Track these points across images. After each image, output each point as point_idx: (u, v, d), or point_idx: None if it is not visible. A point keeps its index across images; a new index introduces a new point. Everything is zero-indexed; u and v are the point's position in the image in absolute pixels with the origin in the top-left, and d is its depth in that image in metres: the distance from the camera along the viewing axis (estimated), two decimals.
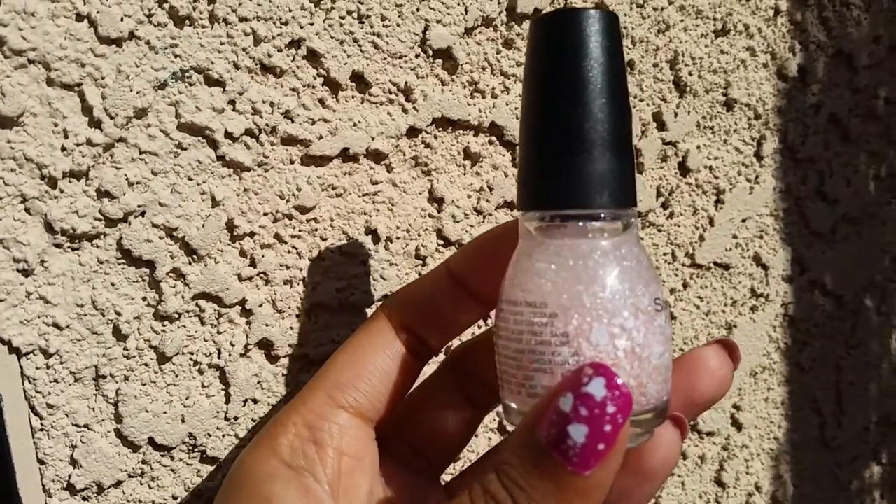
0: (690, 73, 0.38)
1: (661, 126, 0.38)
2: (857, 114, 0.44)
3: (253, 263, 0.30)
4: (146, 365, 0.29)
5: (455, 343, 0.33)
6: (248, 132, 0.29)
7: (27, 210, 0.26)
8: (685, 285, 0.41)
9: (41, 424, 0.28)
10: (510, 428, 0.25)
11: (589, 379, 0.20)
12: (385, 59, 0.30)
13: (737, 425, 0.45)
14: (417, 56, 0.31)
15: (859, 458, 0.50)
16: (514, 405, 0.23)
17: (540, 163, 0.23)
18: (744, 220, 0.41)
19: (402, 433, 0.28)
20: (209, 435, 0.31)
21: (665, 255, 0.39)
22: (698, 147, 0.39)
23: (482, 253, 0.27)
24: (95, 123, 0.26)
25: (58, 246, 0.27)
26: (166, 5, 0.27)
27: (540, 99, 0.23)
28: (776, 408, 0.46)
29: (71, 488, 0.29)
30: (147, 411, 0.29)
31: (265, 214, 0.30)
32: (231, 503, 0.25)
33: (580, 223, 0.23)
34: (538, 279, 0.23)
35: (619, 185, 0.23)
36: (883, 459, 0.52)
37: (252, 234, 0.30)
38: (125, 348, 0.29)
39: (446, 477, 0.30)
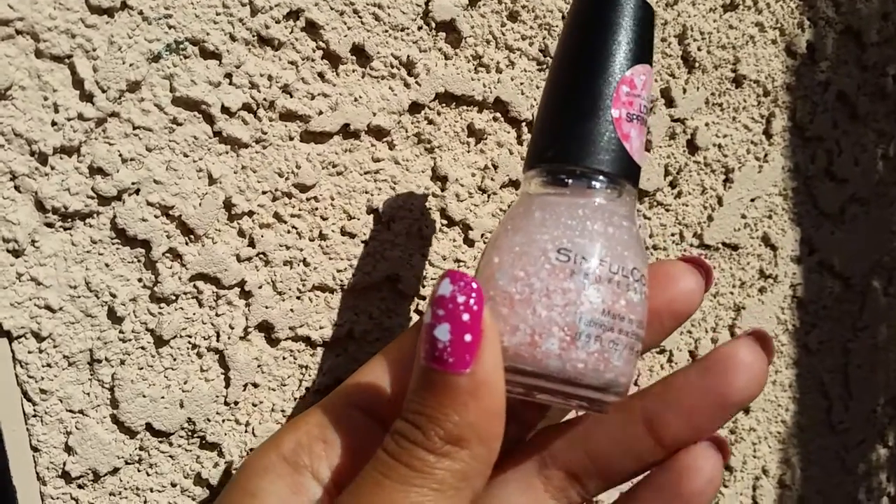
0: (699, 49, 0.37)
1: (670, 102, 0.37)
2: (865, 92, 0.43)
3: (252, 243, 0.29)
4: (143, 348, 0.28)
5: None
6: (246, 107, 0.28)
7: (17, 188, 0.25)
8: None
9: (34, 410, 0.27)
10: None
11: (438, 285, 0.21)
12: (386, 31, 0.29)
13: (744, 408, 0.44)
14: (420, 28, 0.30)
15: (866, 441, 0.50)
16: None
17: (539, 126, 0.25)
18: (753, 200, 0.41)
19: None
20: (209, 420, 0.30)
21: (673, 235, 0.39)
22: (707, 124, 0.38)
23: None
24: (87, 97, 0.25)
25: (49, 225, 0.26)
26: None
27: (555, 68, 0.25)
28: (783, 391, 0.45)
29: (66, 476, 0.28)
30: (144, 396, 0.28)
31: (264, 193, 0.29)
32: (221, 498, 0.25)
33: (566, 179, 0.24)
34: (497, 227, 0.25)
35: (602, 148, 0.24)
36: (890, 442, 0.51)
37: (251, 213, 0.29)
38: (121, 331, 0.28)
39: None
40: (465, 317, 0.20)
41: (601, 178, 0.24)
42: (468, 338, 0.20)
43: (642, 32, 0.24)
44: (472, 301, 0.21)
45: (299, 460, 0.24)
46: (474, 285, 0.21)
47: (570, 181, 0.24)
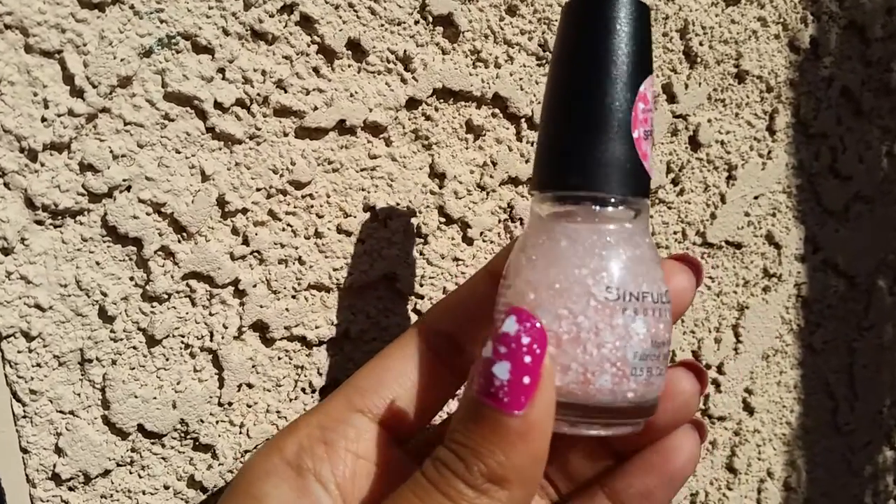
0: (701, 44, 0.36)
1: (672, 98, 0.36)
2: (869, 87, 0.43)
3: (246, 241, 0.28)
4: (134, 348, 0.28)
5: None
6: (239, 102, 0.27)
7: (6, 185, 0.25)
8: None
9: (24, 411, 0.27)
10: None
11: (502, 322, 0.21)
12: (383, 25, 0.29)
13: (749, 410, 0.43)
14: (417, 23, 0.30)
15: (873, 443, 0.49)
16: None
17: (551, 145, 0.24)
18: (756, 198, 0.40)
19: (430, 442, 0.27)
20: (202, 421, 0.29)
21: (675, 233, 0.38)
22: (709, 121, 0.38)
23: None
24: (77, 93, 0.25)
25: (39, 223, 0.25)
26: None
27: (563, 81, 0.23)
28: (788, 391, 0.45)
29: (56, 478, 0.27)
30: (136, 397, 0.28)
31: (258, 190, 0.28)
32: (226, 500, 0.24)
33: (579, 208, 0.23)
34: (516, 255, 0.24)
35: (626, 173, 0.23)
36: None
37: (244, 211, 0.28)
38: (112, 331, 0.27)
39: None
40: (528, 359, 0.20)
41: (625, 201, 0.23)
42: (527, 380, 0.20)
43: (647, 38, 0.23)
44: (535, 345, 0.21)
45: (302, 463, 0.24)
46: (539, 326, 0.21)
47: (597, 208, 0.23)
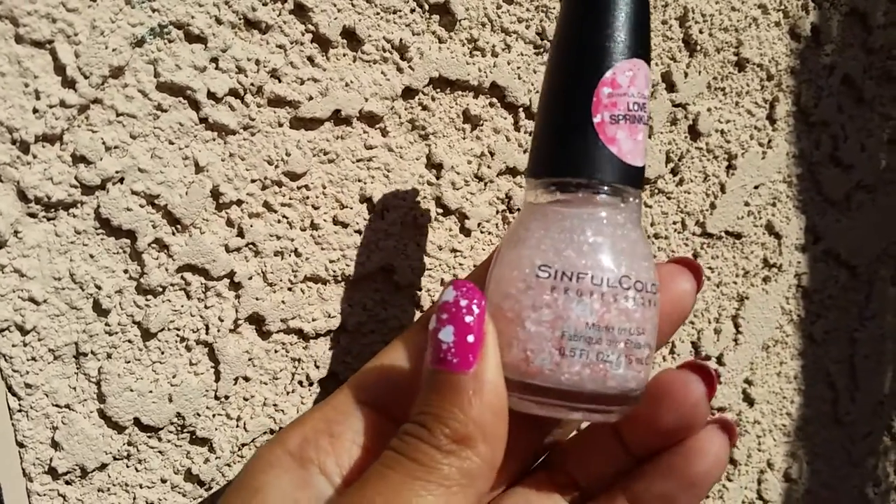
0: (701, 31, 0.36)
1: (671, 87, 0.36)
2: (871, 75, 0.42)
3: (241, 233, 0.28)
4: (130, 341, 0.27)
5: None
6: (233, 92, 0.27)
7: None
8: (695, 255, 0.39)
9: (19, 405, 0.26)
10: None
11: (442, 293, 0.22)
12: (378, 13, 0.29)
13: (749, 400, 0.43)
14: (412, 11, 0.29)
15: (873, 434, 0.49)
16: None
17: (535, 133, 0.25)
18: (756, 187, 0.40)
19: None
20: (198, 415, 0.29)
21: (675, 223, 0.38)
22: (709, 109, 0.37)
23: None
24: (69, 83, 0.25)
25: (32, 215, 0.25)
26: None
27: (559, 68, 0.24)
28: (789, 382, 0.44)
29: (53, 472, 0.27)
30: (132, 390, 0.28)
31: (253, 181, 0.28)
32: (227, 494, 0.24)
33: (560, 193, 0.24)
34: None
35: (584, 156, 0.23)
36: None
37: (239, 203, 0.28)
38: (107, 324, 0.27)
39: None
40: (468, 318, 0.21)
41: (598, 186, 0.23)
42: (471, 338, 0.21)
43: (631, 24, 0.23)
44: (474, 304, 0.22)
45: (305, 455, 0.24)
46: (473, 287, 0.22)
47: (560, 193, 0.24)
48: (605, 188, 0.23)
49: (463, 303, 0.22)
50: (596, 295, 0.22)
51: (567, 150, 0.23)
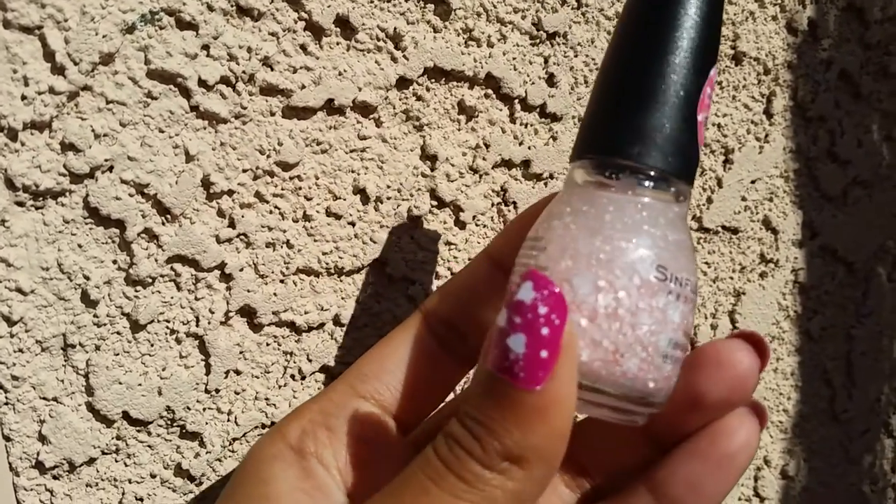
0: None
1: None
2: (868, 71, 0.42)
3: (232, 224, 0.28)
4: (118, 333, 0.27)
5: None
6: (224, 80, 0.27)
7: None
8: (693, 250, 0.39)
9: (6, 398, 0.26)
10: None
11: (517, 287, 0.19)
12: (372, 2, 0.28)
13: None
14: (407, 0, 0.29)
15: (871, 431, 0.49)
16: None
17: (603, 114, 0.22)
18: (753, 182, 0.39)
19: (429, 428, 0.27)
20: (188, 408, 0.29)
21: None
22: None
23: (522, 233, 0.24)
24: (58, 70, 0.24)
25: (20, 204, 0.25)
26: None
27: (625, 51, 0.22)
28: (785, 379, 0.44)
29: (40, 466, 0.27)
30: (120, 383, 0.27)
31: (244, 171, 0.28)
32: (232, 486, 0.24)
33: (628, 179, 0.21)
34: (550, 219, 0.22)
35: (681, 153, 0.22)
36: (894, 432, 0.50)
37: (230, 193, 0.28)
38: (95, 315, 0.27)
39: None
40: (545, 331, 0.19)
41: (671, 181, 0.22)
42: (544, 354, 0.18)
43: (720, 21, 0.22)
44: (554, 315, 0.19)
45: (304, 447, 0.24)
46: (558, 293, 0.19)
47: (649, 184, 0.22)
48: (682, 187, 0.22)
49: (542, 310, 0.19)
50: (689, 303, 0.21)
51: (662, 141, 0.21)
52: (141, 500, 0.29)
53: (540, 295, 0.19)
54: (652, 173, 0.22)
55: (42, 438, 0.27)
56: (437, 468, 0.19)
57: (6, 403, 0.26)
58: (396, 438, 0.25)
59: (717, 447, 0.22)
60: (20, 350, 0.26)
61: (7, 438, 0.26)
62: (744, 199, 0.39)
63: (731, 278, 0.41)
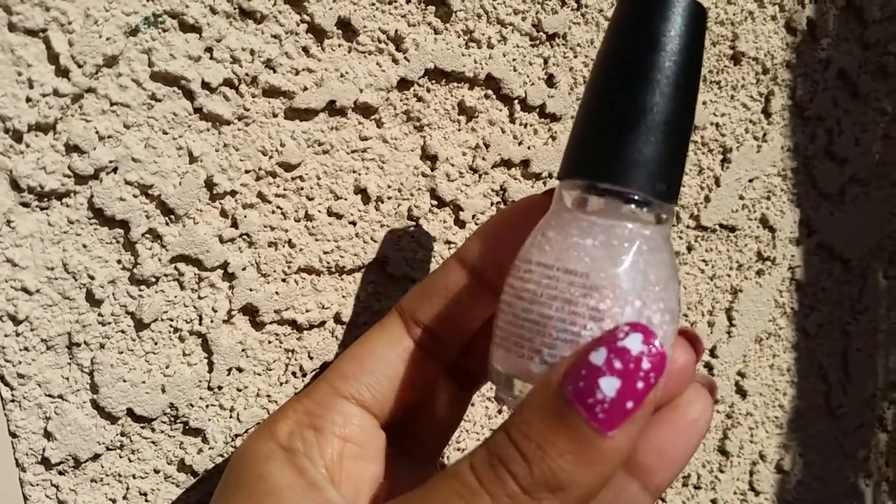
0: None
1: None
2: (866, 70, 0.42)
3: (235, 224, 0.28)
4: (123, 332, 0.27)
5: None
6: (227, 82, 0.27)
7: None
8: (690, 248, 0.39)
9: (12, 395, 0.26)
10: (508, 399, 0.24)
11: (625, 335, 0.19)
12: (373, 4, 0.28)
13: (741, 392, 0.43)
14: (408, 2, 0.29)
15: (865, 426, 0.49)
16: (515, 371, 0.22)
17: (591, 134, 0.23)
18: (751, 181, 0.40)
19: (408, 427, 0.27)
20: (192, 405, 0.29)
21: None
22: (704, 103, 0.37)
23: (495, 238, 0.25)
24: (62, 72, 0.25)
25: (25, 205, 0.25)
26: None
27: (608, 71, 0.23)
28: (782, 375, 0.45)
29: (46, 462, 0.27)
30: (125, 381, 0.28)
31: (247, 172, 0.28)
32: (228, 484, 0.24)
33: (621, 202, 0.22)
34: (576, 251, 0.22)
35: (667, 176, 0.22)
36: (889, 427, 0.51)
37: (233, 193, 0.28)
38: (100, 314, 0.27)
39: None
40: (640, 385, 0.19)
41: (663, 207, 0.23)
42: (630, 405, 0.19)
43: (701, 46, 0.23)
44: (653, 373, 0.19)
45: (293, 447, 0.24)
46: (663, 352, 0.19)
47: (664, 215, 0.23)
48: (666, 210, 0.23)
49: (645, 365, 0.19)
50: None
51: (671, 174, 0.23)
52: (145, 495, 0.29)
53: (647, 350, 0.19)
54: (637, 197, 0.22)
55: (48, 435, 0.27)
56: (471, 486, 0.19)
57: (12, 401, 0.26)
58: (379, 436, 0.25)
59: (680, 415, 0.23)
60: (26, 348, 0.26)
61: (13, 435, 0.27)
62: (741, 197, 0.40)
63: (729, 276, 0.41)
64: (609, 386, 0.19)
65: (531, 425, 0.19)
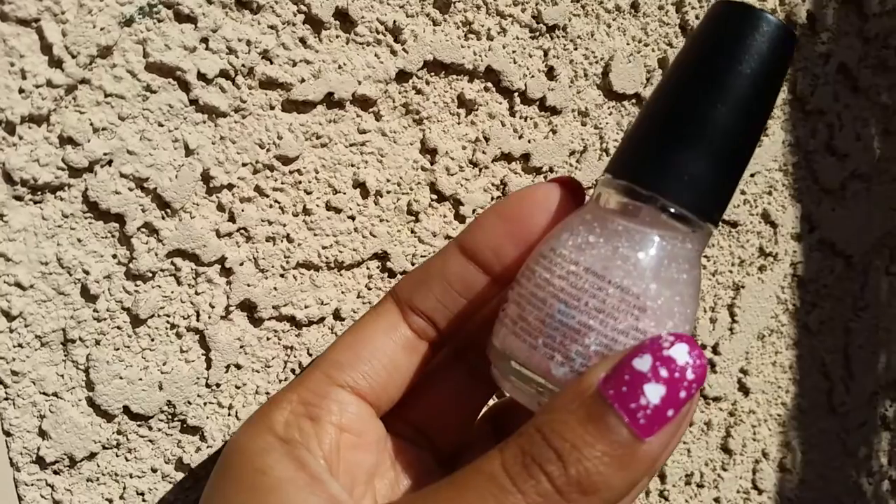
0: (697, 17, 0.35)
1: None
2: (867, 64, 0.42)
3: (232, 218, 0.28)
4: (119, 328, 0.27)
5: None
6: (223, 74, 0.26)
7: None
8: None
9: (6, 393, 0.26)
10: (513, 393, 0.23)
11: (671, 344, 0.20)
12: None
13: (744, 390, 0.43)
14: None
15: (868, 424, 0.49)
16: (524, 360, 0.22)
17: (655, 141, 0.22)
18: (752, 176, 0.39)
19: (405, 414, 0.27)
20: (189, 403, 0.29)
21: None
22: None
23: (499, 227, 0.24)
24: (56, 63, 0.24)
25: (18, 198, 0.25)
26: None
27: (683, 81, 0.22)
28: (784, 372, 0.44)
29: (41, 461, 0.27)
30: (121, 378, 0.27)
31: (244, 165, 0.28)
32: (225, 479, 0.24)
33: (668, 217, 0.22)
34: (626, 264, 0.21)
35: (721, 199, 0.22)
36: (891, 425, 0.50)
37: (230, 187, 0.27)
38: (95, 310, 0.26)
39: None
40: (683, 394, 0.20)
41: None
42: (670, 413, 0.19)
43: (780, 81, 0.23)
44: (695, 384, 0.20)
45: (291, 437, 0.24)
46: (706, 365, 0.20)
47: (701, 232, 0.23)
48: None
49: (690, 376, 0.20)
50: None
51: (721, 197, 0.23)
52: (142, 494, 0.29)
53: (693, 362, 0.20)
54: (683, 214, 0.22)
55: (42, 433, 0.27)
56: (503, 484, 0.19)
57: (6, 399, 0.26)
58: (375, 424, 0.25)
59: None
60: (20, 345, 0.26)
61: (7, 434, 0.26)
62: (743, 192, 0.39)
63: (731, 272, 0.41)
64: (654, 392, 0.19)
65: (566, 425, 0.20)
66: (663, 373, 0.19)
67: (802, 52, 0.40)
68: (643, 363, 0.20)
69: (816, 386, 0.46)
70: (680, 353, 0.20)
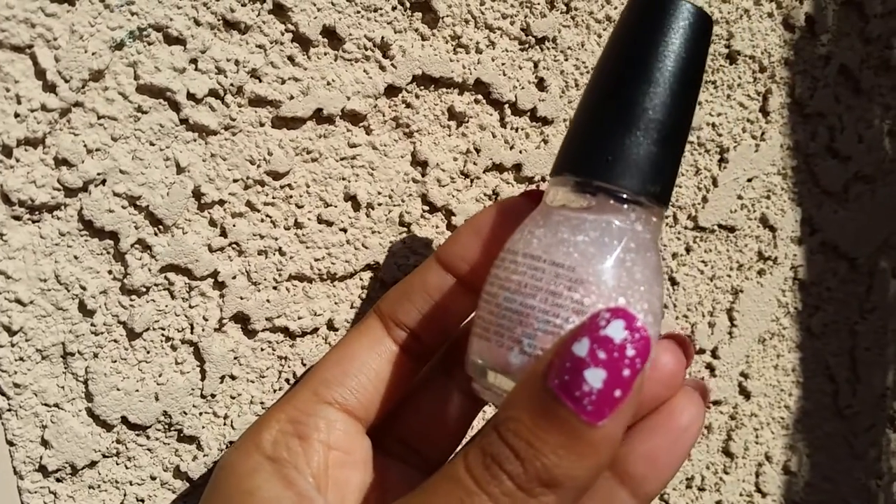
0: None
1: None
2: (868, 65, 0.42)
3: (224, 233, 0.28)
4: (115, 341, 0.28)
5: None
6: (213, 93, 0.27)
7: None
8: (688, 249, 0.39)
9: (8, 405, 0.27)
10: (482, 392, 0.24)
11: (607, 322, 0.19)
12: (358, 12, 0.29)
13: (745, 393, 0.43)
14: (394, 8, 0.29)
15: (876, 426, 0.48)
16: (492, 362, 0.22)
17: (586, 132, 0.23)
18: (749, 180, 0.39)
19: (393, 430, 0.27)
20: (185, 413, 0.29)
21: (666, 217, 0.38)
22: (700, 103, 0.37)
23: (474, 239, 0.25)
24: (49, 87, 0.25)
25: (17, 218, 0.26)
26: None
27: (609, 71, 0.23)
28: (786, 375, 0.44)
29: (43, 469, 0.28)
30: (118, 389, 0.28)
31: (235, 181, 0.28)
32: (215, 501, 0.24)
33: (611, 201, 0.22)
34: (565, 245, 0.22)
35: (660, 178, 0.23)
36: None
37: (222, 202, 0.28)
38: (92, 324, 0.27)
39: None
40: (626, 372, 0.19)
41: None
42: (618, 393, 0.19)
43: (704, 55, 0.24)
44: (638, 359, 0.19)
45: (279, 456, 0.24)
46: (647, 336, 0.19)
47: (653, 219, 0.23)
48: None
49: (630, 352, 0.19)
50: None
51: (666, 178, 0.24)
52: (142, 501, 0.30)
53: (631, 337, 0.19)
54: (628, 197, 0.23)
55: (44, 443, 0.28)
56: (469, 487, 0.19)
57: (9, 410, 0.27)
58: (363, 441, 0.26)
59: (671, 422, 0.23)
60: (21, 358, 0.27)
61: (11, 443, 0.27)
62: (740, 197, 0.39)
63: (729, 276, 0.41)
64: (595, 377, 0.19)
65: (520, 422, 0.19)
66: (601, 355, 0.19)
67: (801, 54, 0.39)
68: (581, 347, 0.19)
69: (821, 388, 0.46)
70: (616, 331, 0.19)
